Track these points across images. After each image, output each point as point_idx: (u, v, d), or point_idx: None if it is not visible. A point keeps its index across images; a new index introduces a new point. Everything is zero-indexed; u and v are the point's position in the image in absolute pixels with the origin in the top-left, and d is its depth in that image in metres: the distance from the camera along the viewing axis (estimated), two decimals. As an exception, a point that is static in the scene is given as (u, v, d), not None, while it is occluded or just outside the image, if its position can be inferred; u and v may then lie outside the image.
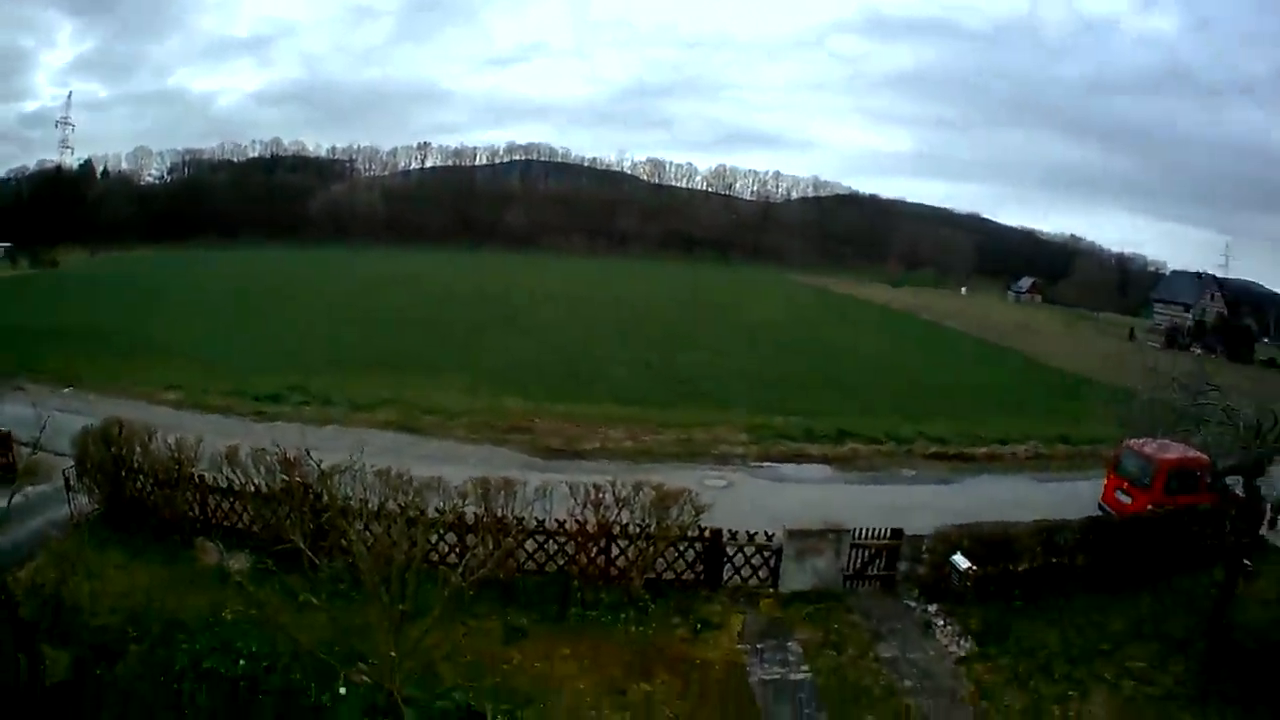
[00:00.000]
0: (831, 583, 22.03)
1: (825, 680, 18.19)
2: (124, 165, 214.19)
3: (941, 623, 20.72)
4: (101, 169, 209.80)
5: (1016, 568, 22.08)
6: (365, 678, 15.07)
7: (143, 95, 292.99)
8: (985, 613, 20.71)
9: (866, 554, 22.36)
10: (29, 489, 25.01)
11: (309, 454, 18.65)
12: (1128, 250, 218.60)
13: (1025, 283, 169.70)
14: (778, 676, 18.46)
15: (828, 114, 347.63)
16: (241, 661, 17.51)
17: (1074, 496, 28.73)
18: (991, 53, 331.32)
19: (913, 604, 21.72)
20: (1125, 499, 27.58)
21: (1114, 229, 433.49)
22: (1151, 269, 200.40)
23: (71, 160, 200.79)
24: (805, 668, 18.78)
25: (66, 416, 29.34)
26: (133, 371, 45.26)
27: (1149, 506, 25.89)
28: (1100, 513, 27.17)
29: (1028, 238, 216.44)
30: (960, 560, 21.41)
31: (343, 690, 15.82)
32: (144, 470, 24.30)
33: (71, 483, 24.93)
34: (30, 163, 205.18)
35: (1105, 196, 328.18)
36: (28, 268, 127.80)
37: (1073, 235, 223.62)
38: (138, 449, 24.37)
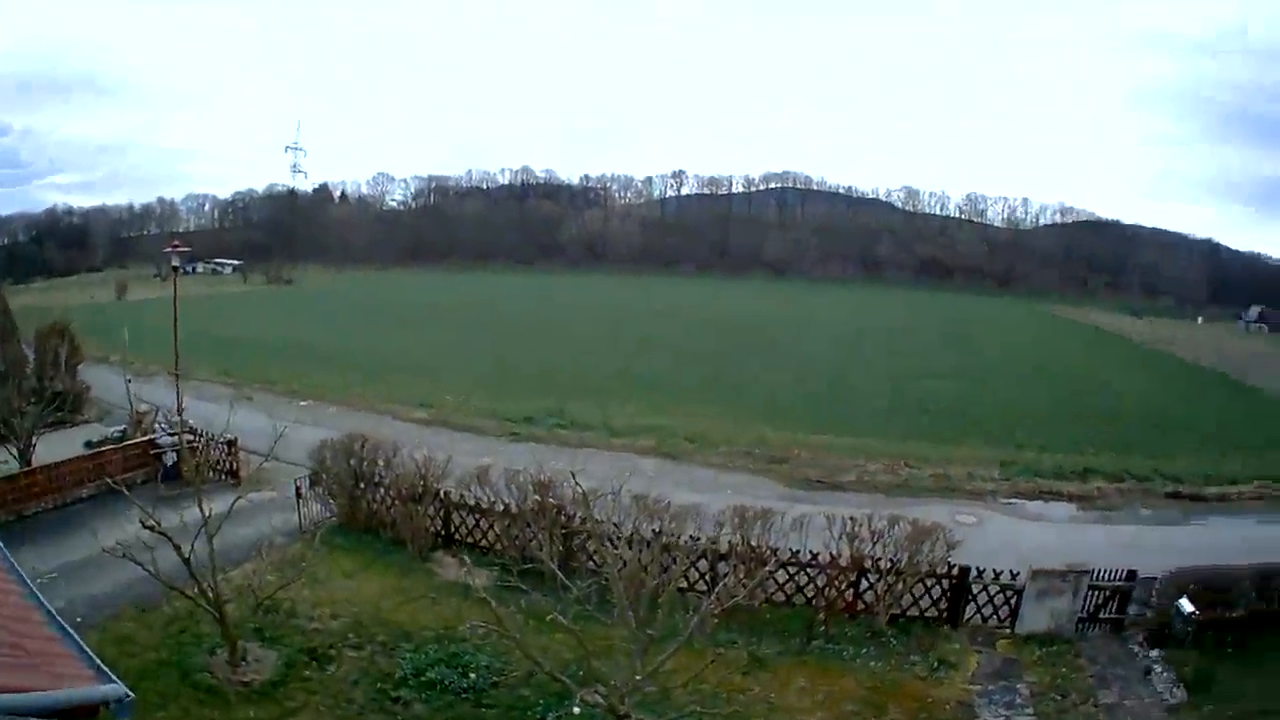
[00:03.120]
0: (1066, 625, 21.11)
1: (1046, 725, 17.39)
2: (364, 190, 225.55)
3: (1159, 669, 19.68)
4: (339, 193, 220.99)
5: (1231, 614, 21.07)
6: (600, 698, 14.92)
7: (378, 124, 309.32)
8: (1200, 659, 19.65)
9: (1101, 596, 21.38)
10: (254, 495, 26.31)
11: (574, 476, 18.81)
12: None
13: (1254, 311, 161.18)
14: (1004, 718, 17.76)
15: (1067, 136, 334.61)
16: (471, 675, 17.92)
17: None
18: (1211, 64, 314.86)
19: (1137, 648, 20.70)
20: None
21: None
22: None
23: (305, 184, 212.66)
24: (1030, 711, 18.11)
25: (305, 429, 31.12)
26: (378, 387, 47.53)
27: None
28: None
29: (1254, 262, 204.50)
30: (1185, 604, 20.47)
31: (576, 710, 16.00)
32: (385, 484, 25.22)
33: (303, 492, 26.10)
34: (257, 186, 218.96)
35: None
36: (262, 284, 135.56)
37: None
38: (380, 463, 25.32)
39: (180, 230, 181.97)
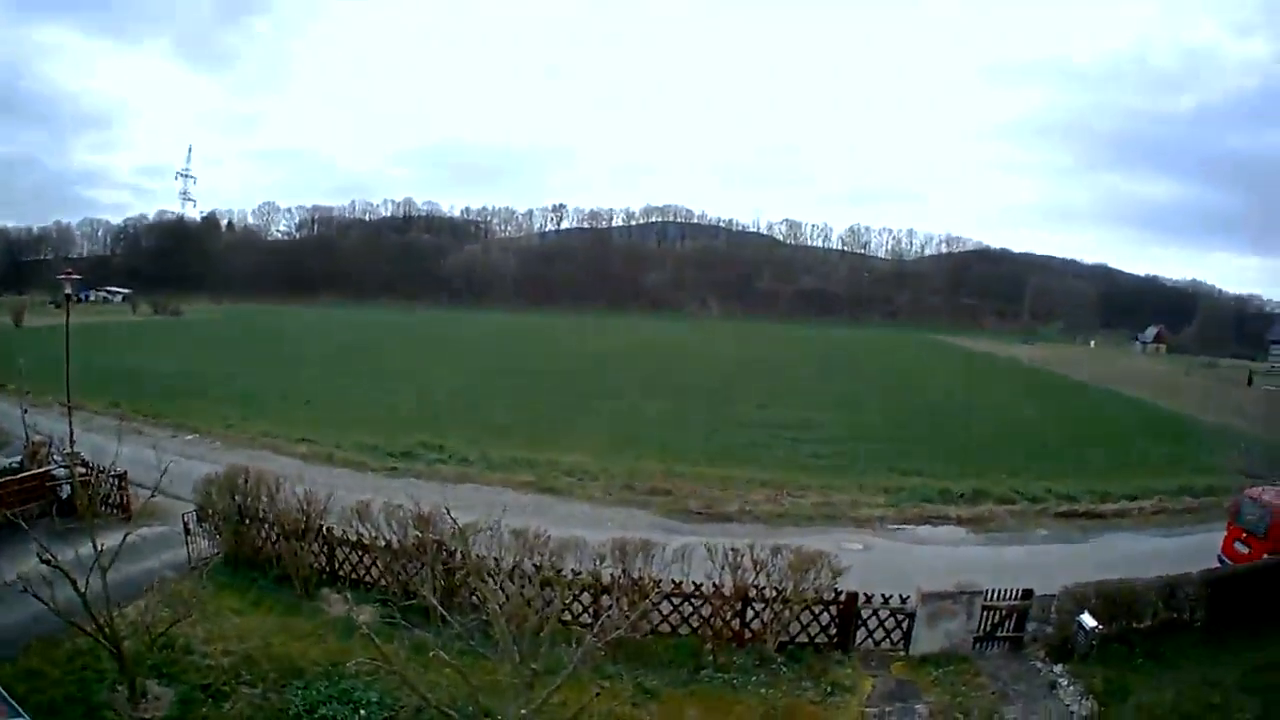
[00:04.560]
0: (962, 645, 21.29)
1: (948, 744, 17.42)
2: (250, 219, 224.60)
3: (1065, 683, 19.92)
4: (226, 222, 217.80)
5: (1139, 624, 21.54)
6: (489, 734, 14.64)
7: (267, 152, 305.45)
8: (1107, 671, 19.91)
9: (997, 615, 21.61)
10: (144, 530, 25.45)
11: (448, 511, 18.55)
12: (1245, 291, 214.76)
13: (1150, 332, 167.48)
14: (903, 740, 17.72)
15: (956, 166, 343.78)
16: (361, 712, 17.53)
17: (1198, 550, 27.50)
18: (1103, 92, 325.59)
19: (1039, 665, 20.96)
20: (1243, 549, 26.14)
21: (1232, 269, 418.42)
22: (1271, 310, 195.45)
23: (194, 212, 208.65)
24: (929, 730, 18.06)
25: (190, 463, 30.39)
26: (261, 422, 46.47)
27: (1265, 555, 24.62)
28: (1219, 565, 25.74)
29: (1151, 285, 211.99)
30: (1087, 619, 20.71)
31: (467, 745, 15.56)
32: (269, 520, 24.61)
33: (191, 527, 25.40)
34: (149, 212, 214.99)
35: (1219, 236, 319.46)
36: (150, 314, 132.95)
37: (1193, 280, 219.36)
38: (264, 498, 24.75)
39: (75, 256, 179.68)
